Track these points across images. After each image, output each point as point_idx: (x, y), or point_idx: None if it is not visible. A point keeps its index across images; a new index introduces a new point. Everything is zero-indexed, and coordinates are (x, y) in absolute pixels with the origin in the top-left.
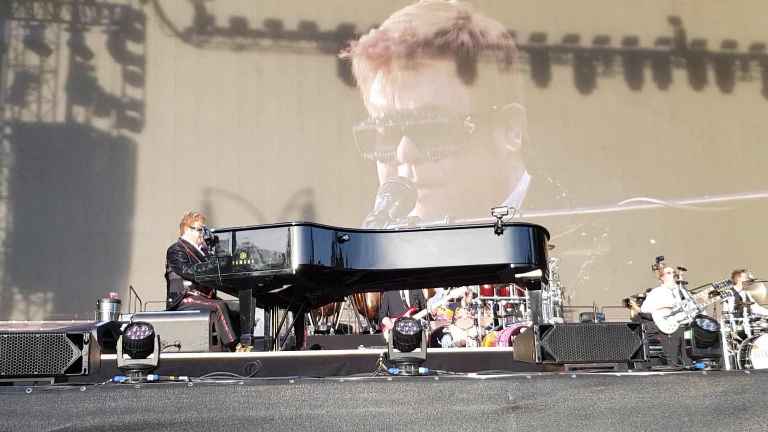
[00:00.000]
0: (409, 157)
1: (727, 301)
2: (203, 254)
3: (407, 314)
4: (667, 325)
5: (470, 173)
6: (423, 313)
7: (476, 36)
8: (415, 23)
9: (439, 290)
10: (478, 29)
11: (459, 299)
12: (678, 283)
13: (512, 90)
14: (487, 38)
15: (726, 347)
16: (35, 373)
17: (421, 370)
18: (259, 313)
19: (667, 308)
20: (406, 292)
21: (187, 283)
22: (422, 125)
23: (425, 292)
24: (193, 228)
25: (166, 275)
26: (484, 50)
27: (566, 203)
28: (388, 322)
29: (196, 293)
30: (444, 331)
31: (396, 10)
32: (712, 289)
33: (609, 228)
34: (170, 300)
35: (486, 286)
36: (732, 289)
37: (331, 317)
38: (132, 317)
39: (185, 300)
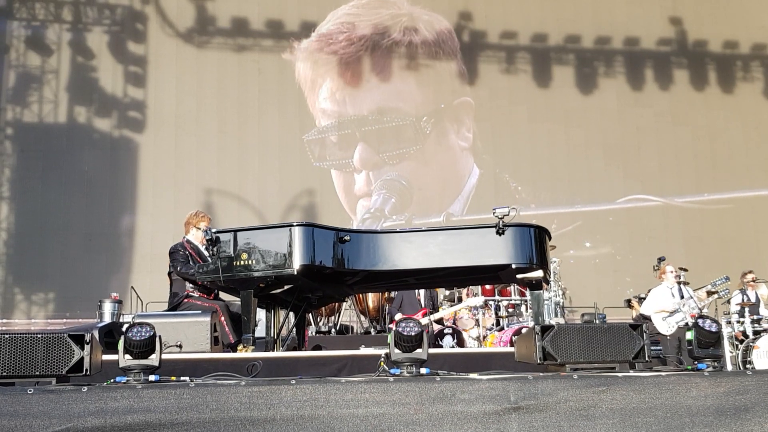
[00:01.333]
0: (367, 163)
1: (728, 301)
2: (206, 254)
3: (420, 315)
4: (666, 327)
5: (428, 174)
6: (435, 316)
7: (421, 32)
8: (358, 23)
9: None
10: (422, 25)
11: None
12: (679, 283)
13: (461, 84)
14: (432, 34)
15: (728, 348)
16: (37, 373)
17: (423, 370)
18: (261, 314)
19: (664, 311)
20: (422, 291)
21: (189, 284)
22: (378, 130)
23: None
24: (199, 228)
25: (169, 274)
26: (431, 47)
27: (566, 204)
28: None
29: (197, 294)
30: (445, 332)
31: (393, 8)
32: (709, 288)
33: (610, 228)
34: (172, 299)
35: (487, 287)
36: (741, 290)
37: (333, 318)
38: (133, 317)
39: (185, 300)
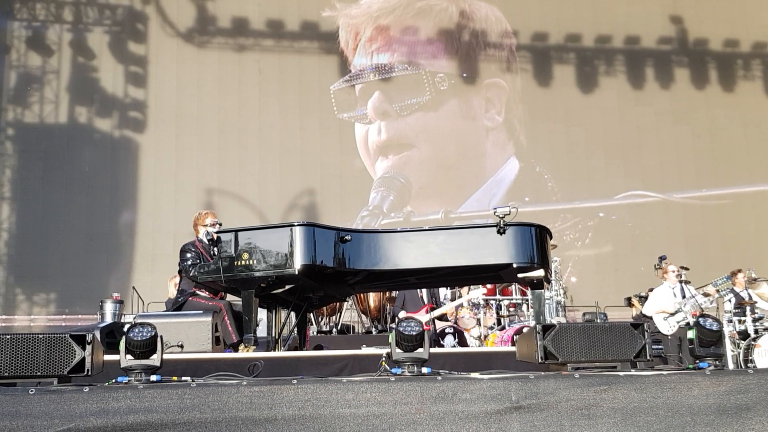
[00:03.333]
0: (378, 110)
1: (730, 300)
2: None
3: (423, 311)
4: (667, 326)
5: (440, 132)
6: (437, 312)
7: (467, 14)
8: None
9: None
10: (468, 8)
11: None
12: (680, 282)
13: (498, 64)
14: (474, 22)
15: (729, 346)
16: (38, 373)
17: (424, 370)
18: (262, 314)
19: (664, 312)
20: (424, 290)
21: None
22: (393, 79)
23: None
24: (206, 225)
25: (179, 271)
26: (469, 19)
27: (564, 201)
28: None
29: (203, 293)
30: (447, 331)
31: (393, 7)
32: (711, 287)
33: (611, 227)
34: (179, 297)
35: (488, 286)
36: (732, 290)
37: (334, 317)
38: (135, 318)
39: (191, 298)
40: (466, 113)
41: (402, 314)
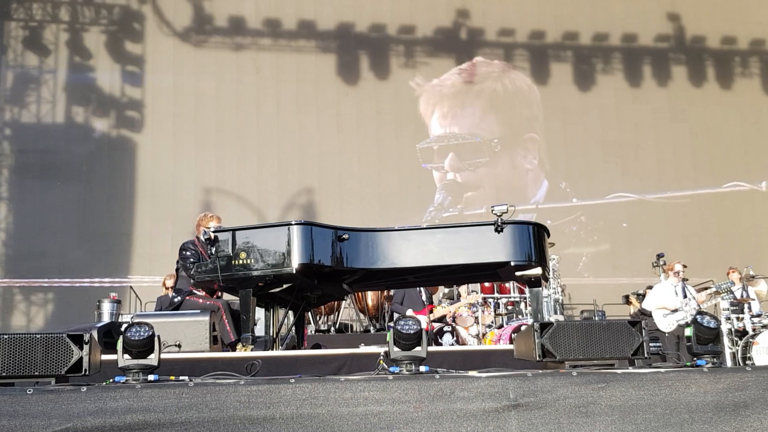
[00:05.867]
0: (454, 167)
1: (727, 300)
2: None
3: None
4: (666, 324)
5: (497, 179)
6: (436, 314)
7: (506, 85)
8: (462, 74)
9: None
10: (508, 80)
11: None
12: (682, 280)
13: (531, 123)
14: (513, 86)
15: (727, 344)
16: (36, 373)
17: (422, 368)
18: (260, 313)
19: (665, 309)
20: (422, 287)
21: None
22: (463, 144)
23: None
24: (209, 228)
25: (176, 270)
26: (510, 95)
27: (564, 200)
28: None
29: (200, 292)
30: (445, 329)
31: (394, 8)
32: (713, 289)
33: (609, 225)
34: (174, 296)
35: (486, 285)
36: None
37: (332, 316)
38: (132, 317)
39: (188, 298)
40: (512, 163)
41: (409, 312)
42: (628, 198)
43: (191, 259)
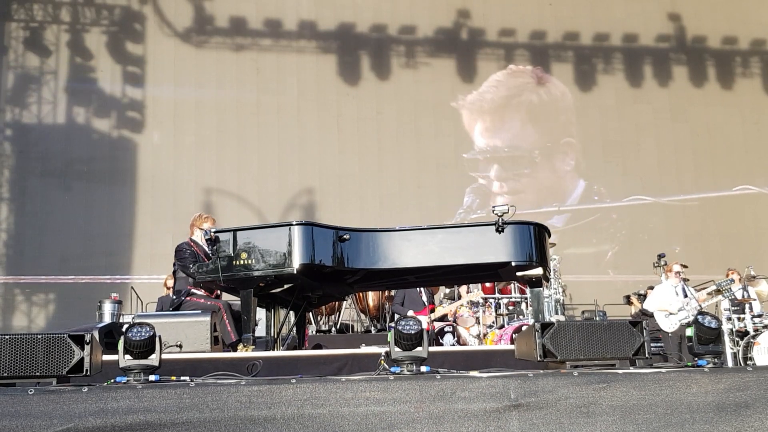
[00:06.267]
0: (500, 177)
1: (729, 298)
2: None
3: (426, 311)
4: (668, 324)
5: (539, 183)
6: (437, 313)
7: (542, 95)
8: (499, 87)
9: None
10: (543, 90)
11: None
12: (681, 280)
13: (566, 128)
14: (549, 95)
15: (728, 344)
16: (37, 374)
17: (423, 368)
18: (261, 313)
19: (666, 310)
20: (423, 288)
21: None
22: (507, 156)
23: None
24: (202, 229)
25: (174, 273)
26: (546, 105)
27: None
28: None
29: (200, 292)
30: (445, 329)
31: (394, 8)
32: (714, 287)
33: (610, 225)
34: (174, 298)
35: (487, 285)
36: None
37: (333, 316)
38: (133, 318)
39: (187, 298)
40: (553, 167)
41: (410, 313)
42: (628, 198)
43: (190, 259)
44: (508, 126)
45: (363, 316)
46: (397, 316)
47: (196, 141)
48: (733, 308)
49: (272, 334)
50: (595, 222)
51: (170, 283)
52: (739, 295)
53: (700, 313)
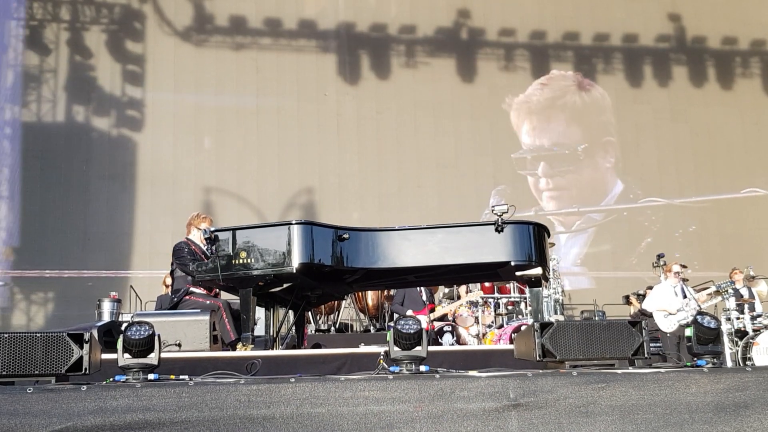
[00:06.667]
0: (547, 174)
1: (728, 299)
2: (209, 254)
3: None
4: (667, 324)
5: (584, 179)
6: (437, 313)
7: (583, 97)
8: (544, 90)
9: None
10: (584, 91)
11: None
12: (680, 281)
13: (606, 127)
14: (590, 97)
15: (727, 344)
16: (36, 372)
17: (422, 368)
18: (260, 312)
19: (665, 311)
20: (423, 287)
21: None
22: (552, 154)
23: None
24: (200, 229)
25: (171, 272)
26: (588, 105)
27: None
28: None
29: (199, 290)
30: (445, 329)
31: (395, 8)
32: (714, 288)
33: (609, 225)
34: (173, 297)
35: (487, 285)
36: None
37: (332, 316)
38: (132, 316)
39: (187, 297)
40: (595, 165)
41: (409, 313)
42: (628, 199)
43: (189, 258)
44: (554, 126)
45: (362, 316)
46: (396, 316)
47: (196, 140)
48: (734, 308)
49: (271, 333)
50: (596, 222)
51: (169, 281)
52: (744, 293)
53: (700, 313)
